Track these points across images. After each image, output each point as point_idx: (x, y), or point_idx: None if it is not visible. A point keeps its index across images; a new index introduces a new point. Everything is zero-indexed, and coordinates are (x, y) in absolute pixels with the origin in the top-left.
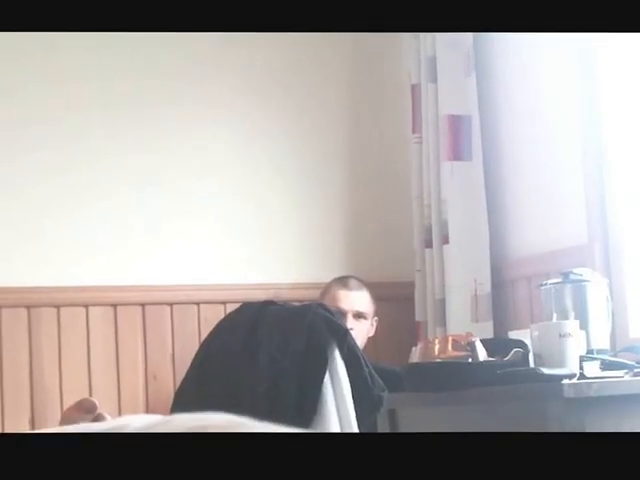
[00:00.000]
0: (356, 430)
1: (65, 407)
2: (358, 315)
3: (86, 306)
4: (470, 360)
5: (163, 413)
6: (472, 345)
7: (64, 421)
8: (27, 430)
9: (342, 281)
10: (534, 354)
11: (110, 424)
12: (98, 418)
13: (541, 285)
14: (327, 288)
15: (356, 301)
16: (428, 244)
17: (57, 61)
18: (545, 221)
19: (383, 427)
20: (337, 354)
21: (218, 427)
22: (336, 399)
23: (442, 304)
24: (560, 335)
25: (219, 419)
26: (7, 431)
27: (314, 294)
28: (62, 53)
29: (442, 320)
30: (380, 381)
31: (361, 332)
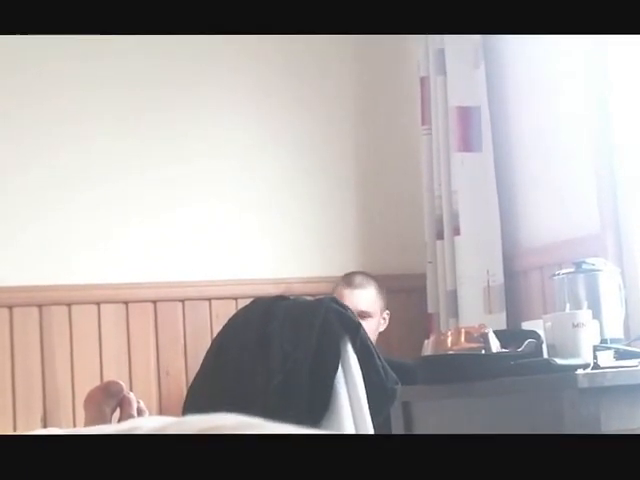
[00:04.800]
0: (370, 424)
1: (78, 405)
2: (362, 314)
3: (97, 304)
4: (483, 352)
5: (176, 409)
6: (485, 336)
7: (88, 402)
8: (39, 428)
9: (347, 279)
10: (547, 345)
11: (123, 426)
12: (123, 401)
13: (553, 275)
14: (335, 286)
15: (359, 300)
16: (439, 236)
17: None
18: (556, 211)
19: (397, 420)
20: (350, 348)
21: (230, 428)
22: (349, 393)
23: (454, 296)
24: (573, 325)
25: (231, 420)
26: (20, 429)
27: (326, 288)
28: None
29: (454, 312)
30: (393, 374)
31: (368, 330)
